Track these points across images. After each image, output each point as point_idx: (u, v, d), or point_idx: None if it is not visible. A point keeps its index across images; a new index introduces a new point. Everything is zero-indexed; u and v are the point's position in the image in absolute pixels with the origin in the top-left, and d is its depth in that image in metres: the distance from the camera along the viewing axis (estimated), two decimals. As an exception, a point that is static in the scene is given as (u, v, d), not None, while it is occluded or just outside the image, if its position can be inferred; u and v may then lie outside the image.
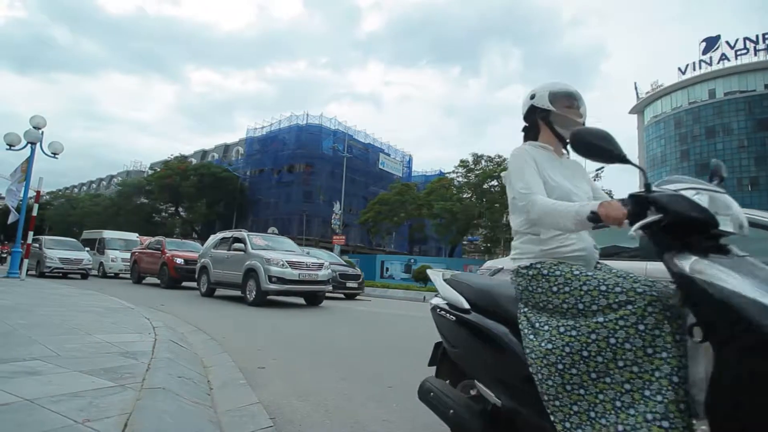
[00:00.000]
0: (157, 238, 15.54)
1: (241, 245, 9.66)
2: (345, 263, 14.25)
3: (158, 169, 46.73)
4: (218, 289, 10.89)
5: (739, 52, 67.95)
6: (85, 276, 15.82)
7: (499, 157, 32.51)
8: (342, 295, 12.90)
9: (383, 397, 2.88)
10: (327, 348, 4.80)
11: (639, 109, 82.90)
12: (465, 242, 40.83)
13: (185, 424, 1.95)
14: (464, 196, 31.92)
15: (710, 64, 70.09)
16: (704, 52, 70.91)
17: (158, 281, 13.72)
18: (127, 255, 16.86)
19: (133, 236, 21.31)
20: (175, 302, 8.88)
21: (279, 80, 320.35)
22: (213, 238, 11.48)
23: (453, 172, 34.04)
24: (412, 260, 31.25)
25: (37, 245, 15.62)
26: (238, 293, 9.73)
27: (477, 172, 32.04)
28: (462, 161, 32.82)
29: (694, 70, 71.48)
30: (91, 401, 1.98)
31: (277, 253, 9.43)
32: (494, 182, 31.50)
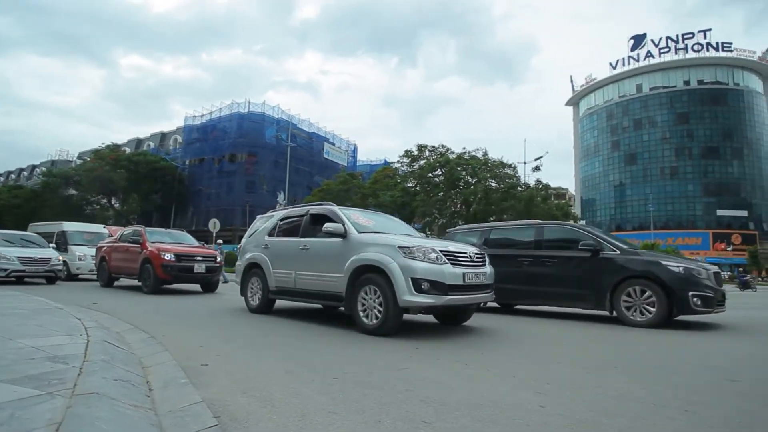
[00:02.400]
0: (134, 227, 12.39)
1: (337, 226, 5.68)
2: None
3: (87, 159, 43.73)
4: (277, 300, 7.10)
5: (662, 50, 73.27)
6: (52, 280, 12.62)
7: (443, 147, 33.21)
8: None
9: (329, 389, 2.89)
10: (272, 341, 4.73)
11: (574, 102, 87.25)
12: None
13: (123, 430, 1.86)
14: (408, 185, 32.34)
15: (638, 61, 75.07)
16: (632, 49, 75.85)
17: (138, 284, 10.79)
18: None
19: (100, 228, 18.29)
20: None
21: (215, 67, 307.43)
22: (266, 219, 7.55)
23: (398, 162, 34.35)
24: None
25: None
26: (317, 307, 6.96)
27: (421, 163, 32.53)
28: (406, 151, 33.20)
29: (624, 65, 76.29)
30: (12, 413, 1.83)
31: (409, 238, 5.52)
32: (438, 171, 32.17)
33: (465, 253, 5.40)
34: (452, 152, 32.59)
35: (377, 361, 3.79)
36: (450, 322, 6.12)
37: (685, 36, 72.16)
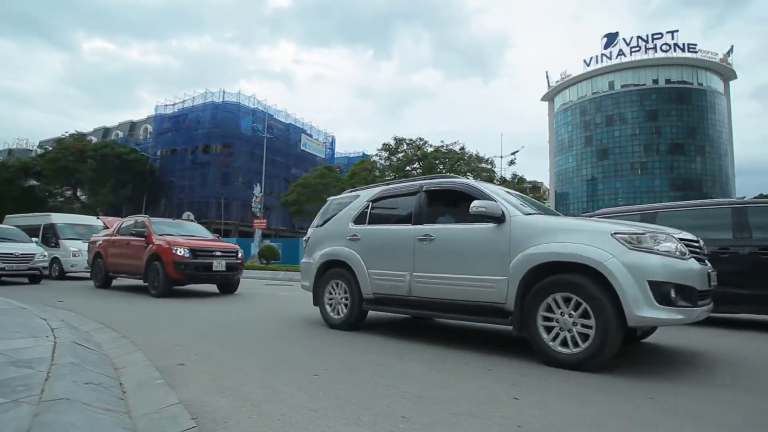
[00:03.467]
0: (135, 217, 10.64)
1: (491, 205, 3.94)
2: None
3: (49, 148, 41.98)
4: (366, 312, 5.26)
5: (633, 49, 75.60)
6: (37, 279, 11.49)
7: (421, 140, 33.33)
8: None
9: (310, 386, 2.87)
10: (249, 338, 4.67)
11: (550, 97, 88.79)
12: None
13: (95, 435, 1.80)
14: (387, 179, 32.32)
15: (610, 58, 77.12)
16: (605, 47, 77.89)
17: (143, 284, 9.23)
18: None
19: (94, 219, 16.18)
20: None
21: (184, 54, 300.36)
22: (347, 200, 5.65)
23: (376, 155, 34.34)
24: (337, 243, 31.29)
25: None
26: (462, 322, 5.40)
27: (399, 156, 32.58)
28: (384, 145, 33.19)
29: (597, 63, 78.28)
30: (-24, 422, 1.75)
31: (618, 222, 3.78)
32: (416, 165, 32.27)
33: (697, 242, 3.76)
34: (430, 145, 32.76)
35: (358, 358, 3.78)
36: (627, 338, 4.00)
37: (655, 36, 74.44)
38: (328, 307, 5.34)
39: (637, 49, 74.72)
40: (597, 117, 78.41)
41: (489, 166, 33.34)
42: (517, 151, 36.32)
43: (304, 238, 6.11)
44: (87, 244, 12.14)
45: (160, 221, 10.18)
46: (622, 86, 76.17)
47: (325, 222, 5.77)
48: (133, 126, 53.73)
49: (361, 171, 33.03)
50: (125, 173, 39.32)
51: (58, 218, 15.11)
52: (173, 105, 44.11)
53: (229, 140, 41.41)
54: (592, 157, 78.62)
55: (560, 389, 2.92)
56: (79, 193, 41.25)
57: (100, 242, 10.73)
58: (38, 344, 3.21)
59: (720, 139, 74.28)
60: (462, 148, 32.73)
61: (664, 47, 73.64)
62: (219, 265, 8.89)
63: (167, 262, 8.36)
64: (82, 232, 14.43)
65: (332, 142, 53.32)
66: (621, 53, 75.84)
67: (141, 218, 10.13)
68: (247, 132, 40.87)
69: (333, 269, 5.31)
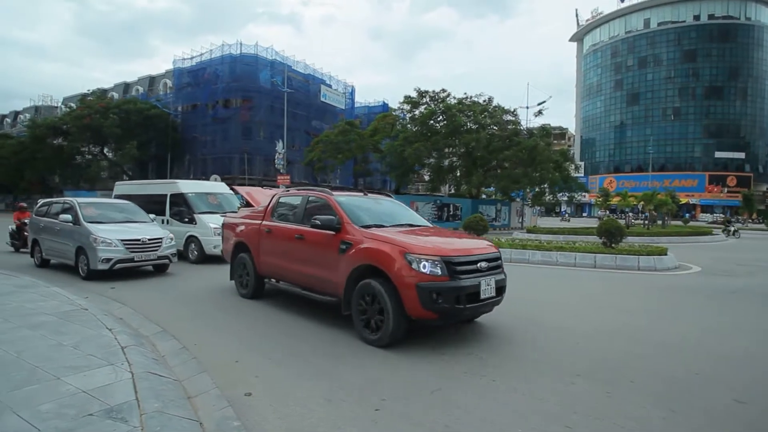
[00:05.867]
0: (307, 191, 6.46)
1: None
2: None
3: (74, 106, 42.30)
4: None
5: (673, -19, 69.80)
6: (164, 267, 9.37)
7: (444, 91, 32.25)
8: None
9: (375, 429, 2.98)
10: (304, 353, 4.71)
11: (579, 37, 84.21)
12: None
13: None
14: (409, 128, 31.53)
15: (647, -7, 71.69)
16: (642, -20, 72.19)
17: (325, 304, 5.69)
18: None
19: (224, 186, 13.30)
20: None
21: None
22: None
23: (398, 108, 33.55)
24: (360, 199, 31.36)
25: (69, 216, 8.86)
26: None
27: (422, 109, 31.72)
28: (406, 97, 32.29)
29: (632, -2, 72.93)
30: None
31: None
32: (439, 117, 31.43)
33: None
34: (453, 97, 31.76)
35: (411, 381, 3.84)
36: None
37: (700, -36, 68.48)
38: None
39: (678, -19, 69.19)
40: (629, 59, 74.28)
41: (514, 118, 32.24)
42: (544, 102, 35.12)
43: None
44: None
45: (347, 199, 5.95)
46: (659, 24, 71.36)
47: None
48: (152, 81, 53.36)
49: (384, 126, 32.40)
50: (148, 130, 39.54)
51: (185, 186, 12.31)
52: (191, 59, 43.40)
53: (248, 94, 40.87)
54: (621, 102, 75.34)
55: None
56: (105, 151, 41.87)
57: (243, 228, 7.02)
58: (118, 377, 3.37)
59: (765, 79, 69.81)
60: (486, 101, 31.62)
61: (709, -23, 67.96)
62: (488, 287, 4.82)
63: (404, 284, 4.48)
64: (215, 203, 12.08)
65: (352, 92, 52.12)
66: (660, -14, 70.45)
67: (315, 192, 6.21)
68: (266, 85, 40.23)
69: None
